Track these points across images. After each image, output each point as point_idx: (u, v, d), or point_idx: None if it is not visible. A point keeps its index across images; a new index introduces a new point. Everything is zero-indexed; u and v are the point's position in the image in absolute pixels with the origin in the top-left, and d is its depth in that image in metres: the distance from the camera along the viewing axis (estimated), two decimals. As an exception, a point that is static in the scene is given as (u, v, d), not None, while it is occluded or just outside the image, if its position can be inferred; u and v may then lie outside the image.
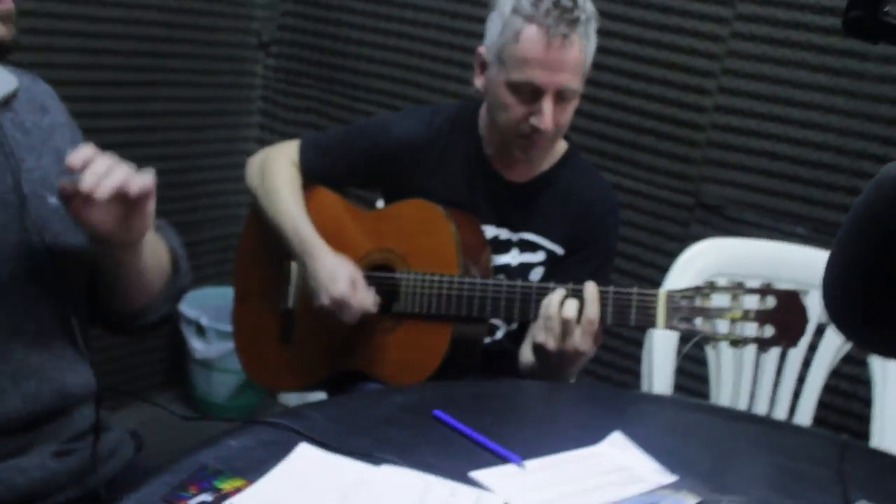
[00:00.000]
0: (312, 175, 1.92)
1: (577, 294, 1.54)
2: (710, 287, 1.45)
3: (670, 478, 1.17)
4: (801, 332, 1.40)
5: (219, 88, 2.89)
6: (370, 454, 1.11)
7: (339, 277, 1.73)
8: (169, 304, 1.39)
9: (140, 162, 1.14)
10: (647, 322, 1.51)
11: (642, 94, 2.37)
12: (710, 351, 1.90)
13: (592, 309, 1.52)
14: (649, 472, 1.20)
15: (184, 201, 2.83)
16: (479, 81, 1.79)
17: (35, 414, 1.18)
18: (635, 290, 1.52)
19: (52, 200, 1.22)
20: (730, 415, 1.60)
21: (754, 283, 1.43)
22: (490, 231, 1.80)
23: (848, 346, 1.86)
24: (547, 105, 1.66)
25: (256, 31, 2.97)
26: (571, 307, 1.53)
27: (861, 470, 1.26)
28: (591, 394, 1.72)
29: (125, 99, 2.59)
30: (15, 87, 1.25)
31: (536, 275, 1.80)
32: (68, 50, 2.41)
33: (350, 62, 2.87)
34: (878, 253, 0.77)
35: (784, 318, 1.40)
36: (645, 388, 1.85)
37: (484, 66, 1.76)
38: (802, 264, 1.82)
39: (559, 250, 1.80)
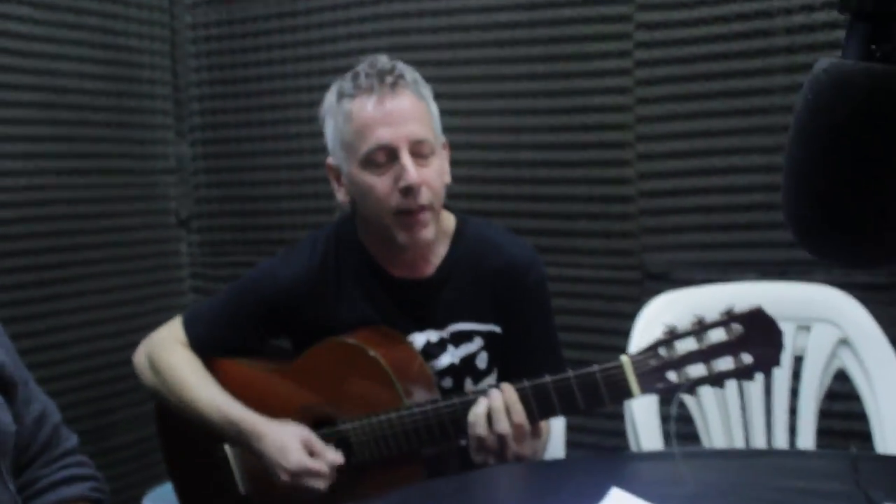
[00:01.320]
0: (207, 350, 1.79)
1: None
2: (671, 335, 1.38)
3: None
4: (778, 347, 1.34)
5: (145, 273, 2.81)
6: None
7: (290, 447, 1.61)
8: None
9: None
10: (622, 395, 1.44)
11: (564, 180, 2.35)
12: (689, 400, 1.80)
13: (517, 413, 1.46)
14: None
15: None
16: (339, 193, 1.74)
17: None
18: (595, 367, 1.45)
19: None
20: (729, 454, 1.58)
21: (713, 317, 1.37)
22: (418, 339, 1.72)
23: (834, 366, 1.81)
24: (405, 159, 1.60)
25: (174, 210, 2.93)
26: (501, 421, 1.46)
27: (878, 476, 1.21)
28: (580, 463, 1.67)
29: (43, 299, 2.50)
30: None
31: (483, 362, 1.72)
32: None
33: (273, 219, 2.84)
34: (826, 150, 0.73)
35: (757, 339, 1.34)
36: (634, 449, 1.77)
37: (338, 174, 1.71)
38: (761, 298, 1.73)
39: (496, 328, 1.73)
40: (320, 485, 1.61)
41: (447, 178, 1.71)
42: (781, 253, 2.09)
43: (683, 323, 1.38)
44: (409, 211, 1.61)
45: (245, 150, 2.86)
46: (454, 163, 1.76)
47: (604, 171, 2.30)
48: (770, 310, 1.61)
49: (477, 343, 1.72)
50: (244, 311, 1.78)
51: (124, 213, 2.75)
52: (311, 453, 1.61)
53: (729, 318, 1.34)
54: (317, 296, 1.74)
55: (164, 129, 2.90)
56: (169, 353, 1.77)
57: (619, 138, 2.26)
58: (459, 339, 1.72)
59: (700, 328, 1.36)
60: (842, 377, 1.82)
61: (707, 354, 1.35)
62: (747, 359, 1.34)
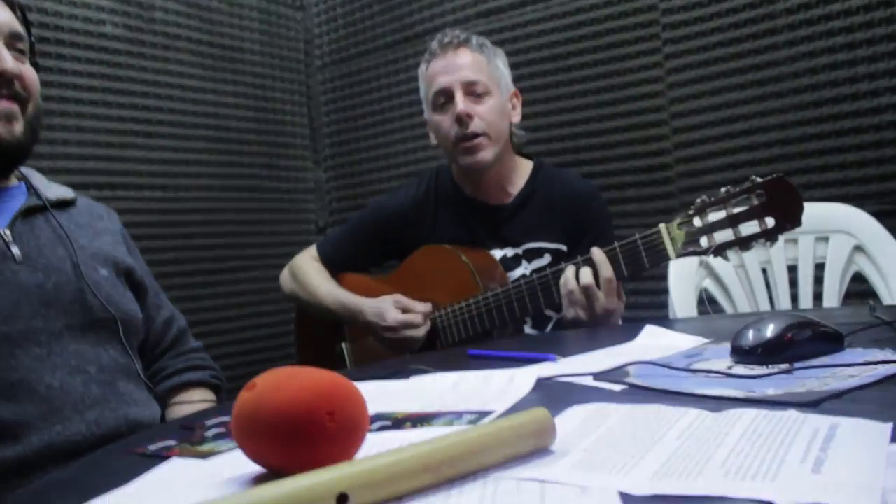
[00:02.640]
0: (333, 264, 1.91)
1: (587, 262, 1.46)
2: (702, 204, 1.33)
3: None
4: (799, 209, 1.26)
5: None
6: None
7: (385, 308, 1.69)
8: None
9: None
10: (660, 258, 1.40)
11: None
12: (715, 278, 1.78)
13: (606, 268, 1.43)
14: (690, 341, 1.10)
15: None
16: (432, 139, 1.83)
17: (98, 437, 1.16)
18: (637, 235, 1.42)
19: (103, 272, 1.30)
20: (754, 312, 1.48)
21: (739, 186, 1.30)
22: (497, 254, 1.76)
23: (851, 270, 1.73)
24: (458, 96, 1.68)
25: (314, 220, 3.09)
26: (587, 274, 1.44)
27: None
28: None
29: (210, 284, 2.67)
30: (72, 197, 1.37)
31: None
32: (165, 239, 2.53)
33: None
34: None
35: (778, 204, 1.26)
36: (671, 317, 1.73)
37: (428, 123, 1.82)
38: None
39: (563, 247, 1.75)
40: (417, 334, 1.66)
41: (514, 118, 1.77)
42: (797, 178, 2.03)
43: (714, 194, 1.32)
44: (464, 137, 1.69)
45: (366, 172, 3.00)
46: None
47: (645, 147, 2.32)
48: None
49: (546, 259, 1.74)
50: (362, 232, 1.90)
51: (275, 221, 2.91)
52: (404, 310, 1.68)
53: (753, 186, 1.27)
54: (418, 220, 1.83)
55: (304, 159, 3.06)
56: (304, 263, 1.92)
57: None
58: (531, 255, 1.75)
59: (727, 196, 1.29)
60: (859, 279, 1.77)
61: (734, 220, 1.29)
62: (770, 221, 1.27)
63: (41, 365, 1.15)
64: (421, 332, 1.67)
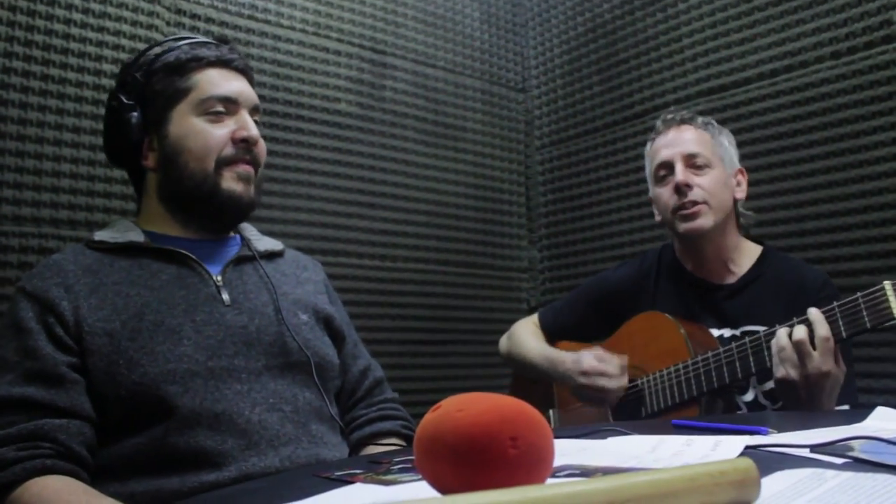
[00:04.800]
0: (551, 330, 1.97)
1: (803, 322, 1.38)
2: None
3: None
4: None
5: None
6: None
7: (584, 357, 1.73)
8: None
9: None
10: (883, 317, 1.29)
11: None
12: None
13: (822, 327, 1.34)
14: None
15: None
16: (657, 216, 1.83)
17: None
18: (858, 294, 1.33)
19: (303, 317, 1.39)
20: None
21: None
22: (714, 333, 1.69)
23: None
24: (678, 167, 1.68)
25: (526, 300, 3.08)
26: (800, 331, 1.36)
27: None
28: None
29: (422, 354, 2.72)
30: (280, 249, 1.50)
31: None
32: (378, 317, 2.61)
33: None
34: None
35: None
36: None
37: (652, 199, 1.82)
38: None
39: None
40: (610, 384, 1.66)
41: (738, 195, 1.75)
42: None
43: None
44: (682, 206, 1.67)
45: (580, 252, 2.97)
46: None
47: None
48: None
49: None
50: (582, 302, 1.95)
51: (487, 297, 2.92)
52: (601, 360, 1.70)
53: None
54: (639, 293, 1.84)
55: (519, 238, 3.08)
56: (523, 326, 2.02)
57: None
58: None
59: None
60: None
61: None
62: None
63: (242, 400, 1.22)
64: (614, 384, 1.67)
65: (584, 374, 1.71)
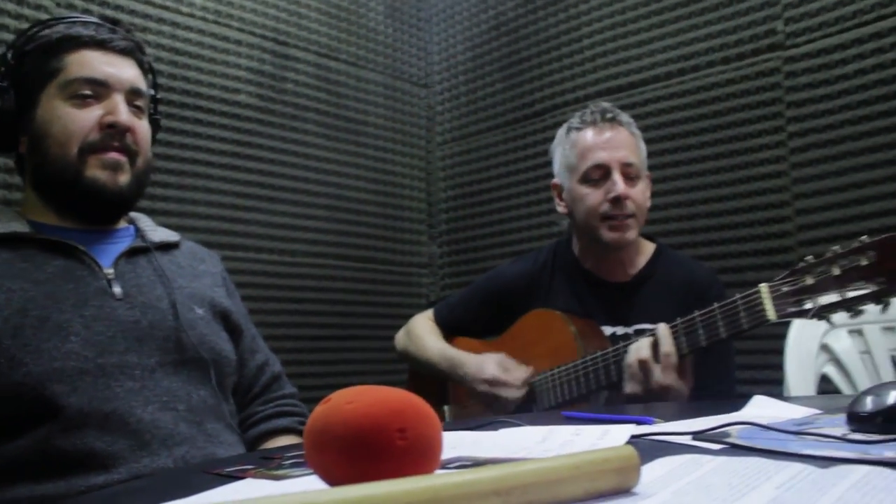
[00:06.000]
0: (447, 326, 1.97)
1: (651, 336, 1.45)
2: (807, 265, 1.28)
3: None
4: None
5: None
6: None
7: (487, 363, 1.72)
8: None
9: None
10: (759, 318, 1.34)
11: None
12: (838, 364, 1.67)
13: (666, 344, 1.43)
14: (801, 411, 1.03)
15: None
16: (560, 206, 1.83)
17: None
18: (738, 295, 1.38)
19: (199, 311, 1.34)
20: None
21: (847, 246, 1.24)
22: (607, 330, 1.73)
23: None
24: (616, 176, 1.68)
25: (425, 295, 3.10)
26: (644, 350, 1.44)
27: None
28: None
29: (320, 350, 2.69)
30: (176, 240, 1.44)
31: None
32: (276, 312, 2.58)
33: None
34: None
35: (890, 264, 1.19)
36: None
37: (559, 190, 1.82)
38: None
39: None
40: (511, 394, 1.65)
41: (648, 203, 1.76)
42: None
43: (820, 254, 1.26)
44: (614, 217, 1.68)
45: (480, 248, 3.00)
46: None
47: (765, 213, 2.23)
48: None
49: None
50: (477, 298, 1.94)
51: (386, 293, 2.92)
52: (505, 370, 1.69)
53: (862, 245, 1.21)
54: (533, 290, 1.83)
55: (419, 233, 3.10)
56: (419, 322, 2.00)
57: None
58: (641, 335, 1.68)
59: (834, 257, 1.24)
60: None
61: (841, 282, 1.22)
62: (879, 283, 1.19)
63: (134, 398, 1.18)
64: (515, 394, 1.67)
65: (487, 382, 1.70)
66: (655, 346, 1.44)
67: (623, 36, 2.57)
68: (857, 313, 1.24)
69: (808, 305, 1.27)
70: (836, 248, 1.25)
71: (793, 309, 1.30)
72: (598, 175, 1.70)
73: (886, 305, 1.21)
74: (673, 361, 1.42)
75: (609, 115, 1.73)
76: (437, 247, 3.13)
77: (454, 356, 1.82)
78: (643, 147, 1.77)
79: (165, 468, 1.15)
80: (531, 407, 1.69)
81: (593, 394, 1.60)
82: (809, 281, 1.27)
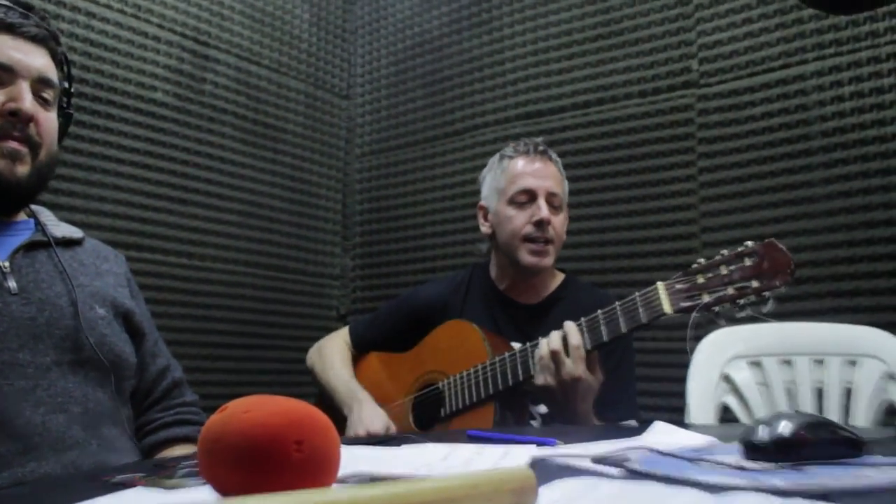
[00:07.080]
0: (361, 345, 1.99)
1: (560, 332, 1.50)
2: (699, 266, 1.38)
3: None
4: (788, 267, 1.29)
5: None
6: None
7: (376, 422, 1.71)
8: None
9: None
10: (656, 312, 1.41)
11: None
12: (737, 394, 1.72)
13: (574, 336, 1.48)
14: (699, 439, 1.03)
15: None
16: (484, 227, 1.91)
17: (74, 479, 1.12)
18: (636, 293, 1.46)
19: (100, 311, 1.30)
20: None
21: (733, 250, 1.36)
22: (516, 346, 1.75)
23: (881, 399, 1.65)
24: (541, 202, 1.77)
25: (336, 307, 3.06)
26: (555, 341, 1.48)
27: None
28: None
29: (228, 358, 2.64)
30: (79, 237, 1.38)
31: None
32: (181, 316, 2.51)
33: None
34: None
35: (770, 265, 1.30)
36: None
37: (485, 211, 1.88)
38: (813, 337, 1.73)
39: None
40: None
41: (565, 234, 1.85)
42: (827, 302, 2.04)
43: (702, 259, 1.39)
44: (535, 240, 1.76)
45: (393, 263, 2.99)
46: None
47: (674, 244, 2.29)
48: (821, 347, 1.58)
49: None
50: (392, 318, 1.97)
51: (296, 303, 2.88)
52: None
53: (746, 249, 1.33)
54: (448, 309, 1.88)
55: (333, 245, 3.06)
56: (331, 342, 2.00)
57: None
58: None
59: (722, 260, 1.35)
60: (892, 411, 1.66)
61: (727, 281, 1.33)
62: (761, 282, 1.30)
63: (25, 398, 1.13)
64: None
65: (367, 434, 1.69)
66: (565, 340, 1.49)
67: (545, 62, 2.61)
68: (741, 308, 1.34)
69: (700, 300, 1.37)
70: (725, 251, 1.36)
71: (686, 304, 1.38)
72: (525, 199, 1.79)
73: (766, 301, 1.32)
74: (581, 354, 1.47)
75: (541, 149, 1.83)
76: (350, 259, 3.11)
77: (357, 392, 1.82)
78: (566, 184, 1.86)
79: (52, 474, 1.10)
80: (439, 412, 1.71)
81: (499, 398, 1.62)
82: (701, 280, 1.37)
